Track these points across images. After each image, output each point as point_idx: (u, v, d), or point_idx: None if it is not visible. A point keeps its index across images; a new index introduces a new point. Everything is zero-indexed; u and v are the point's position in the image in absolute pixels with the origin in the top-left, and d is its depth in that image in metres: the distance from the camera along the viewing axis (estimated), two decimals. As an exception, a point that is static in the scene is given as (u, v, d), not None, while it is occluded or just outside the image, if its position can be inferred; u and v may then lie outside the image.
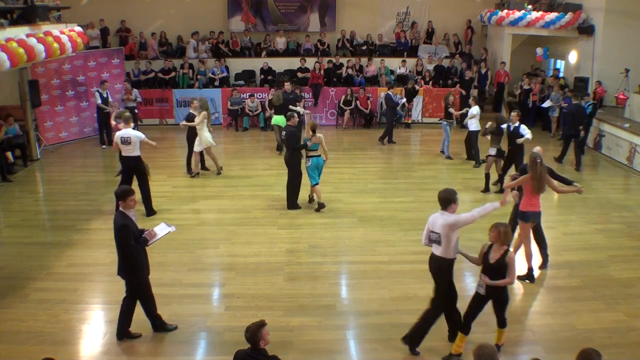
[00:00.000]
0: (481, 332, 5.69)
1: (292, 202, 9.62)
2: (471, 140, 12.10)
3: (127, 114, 9.26)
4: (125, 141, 8.80)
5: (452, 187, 10.69)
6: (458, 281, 7.18)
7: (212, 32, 17.15)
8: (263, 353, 4.16)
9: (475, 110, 11.75)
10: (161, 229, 5.85)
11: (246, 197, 10.21)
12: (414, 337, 5.62)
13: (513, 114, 10.32)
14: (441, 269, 5.45)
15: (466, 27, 17.76)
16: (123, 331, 5.82)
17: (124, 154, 8.92)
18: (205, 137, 11.03)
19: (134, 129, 9.31)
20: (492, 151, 10.36)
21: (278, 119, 12.64)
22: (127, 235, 5.43)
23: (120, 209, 5.61)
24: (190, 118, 11.08)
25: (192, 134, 11.17)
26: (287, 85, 13.32)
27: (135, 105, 14.29)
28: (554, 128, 14.98)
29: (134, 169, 8.98)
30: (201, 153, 11.45)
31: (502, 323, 5.56)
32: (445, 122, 12.73)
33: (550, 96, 14.89)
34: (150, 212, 9.18)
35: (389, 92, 14.33)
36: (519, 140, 9.93)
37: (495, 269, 5.25)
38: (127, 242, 5.44)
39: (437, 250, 5.43)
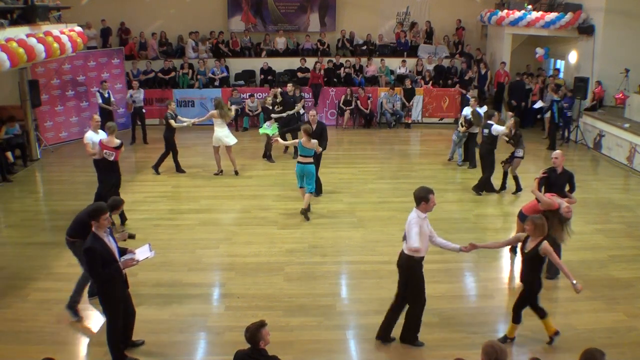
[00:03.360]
0: (484, 333, 5.71)
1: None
2: (469, 142, 12.09)
3: (94, 115, 9.23)
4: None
5: (452, 187, 10.74)
6: (459, 281, 7.24)
7: (212, 32, 17.16)
8: (263, 353, 4.16)
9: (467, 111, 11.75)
10: (142, 252, 5.50)
11: (246, 197, 10.21)
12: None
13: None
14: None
15: (457, 27, 17.79)
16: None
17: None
18: (217, 136, 11.19)
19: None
20: (519, 153, 10.10)
21: (267, 130, 12.02)
22: (92, 260, 5.00)
23: (93, 229, 5.09)
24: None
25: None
26: (290, 87, 13.35)
27: (142, 105, 14.27)
28: (547, 128, 14.98)
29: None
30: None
31: (516, 318, 5.78)
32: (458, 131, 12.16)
33: (544, 97, 14.90)
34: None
35: (467, 95, 13.92)
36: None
37: (529, 258, 5.53)
38: (92, 267, 5.04)
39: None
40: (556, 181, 7.26)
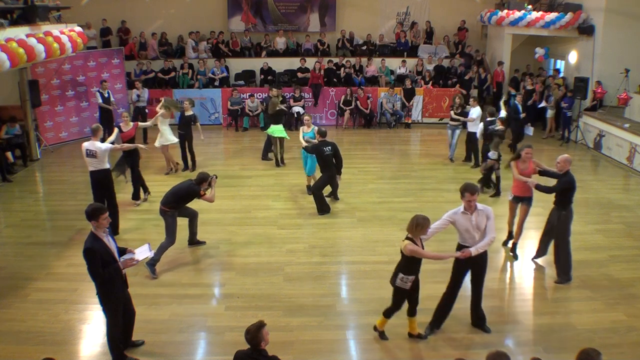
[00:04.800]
0: (484, 333, 5.71)
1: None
2: (471, 141, 12.08)
3: (97, 125, 8.57)
4: (91, 154, 8.15)
5: (452, 187, 10.70)
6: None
7: (213, 32, 17.16)
8: (263, 353, 4.16)
9: (476, 112, 11.71)
10: (142, 252, 5.51)
11: (246, 197, 10.21)
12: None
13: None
14: None
15: (459, 27, 17.79)
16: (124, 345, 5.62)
17: (90, 168, 8.27)
18: (165, 135, 11.24)
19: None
20: (493, 155, 10.12)
21: (276, 129, 11.90)
22: (92, 261, 4.99)
23: (92, 230, 5.10)
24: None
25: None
26: (274, 91, 13.09)
27: (145, 105, 14.29)
28: (549, 128, 14.98)
29: (102, 183, 8.34)
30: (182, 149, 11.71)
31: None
32: (450, 125, 12.41)
33: (548, 97, 14.88)
34: (115, 231, 8.38)
35: (516, 101, 13.03)
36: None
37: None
38: (91, 267, 5.01)
39: None
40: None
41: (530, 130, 13.47)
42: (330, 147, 9.24)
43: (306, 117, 10.59)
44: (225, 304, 6.62)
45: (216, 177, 7.72)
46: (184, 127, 11.54)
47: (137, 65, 15.93)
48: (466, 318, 6.17)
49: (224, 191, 10.57)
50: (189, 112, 11.45)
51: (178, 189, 7.56)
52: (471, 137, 11.97)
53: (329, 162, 9.25)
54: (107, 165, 8.39)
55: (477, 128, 11.36)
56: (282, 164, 12.25)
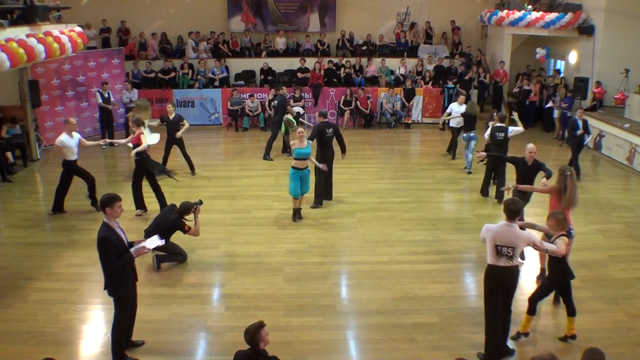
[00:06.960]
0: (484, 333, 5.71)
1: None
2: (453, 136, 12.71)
3: (69, 119, 9.49)
4: None
5: (452, 187, 10.67)
6: (459, 281, 7.25)
7: (213, 32, 17.17)
8: (263, 354, 4.16)
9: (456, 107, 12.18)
10: (152, 241, 5.57)
11: (246, 197, 10.21)
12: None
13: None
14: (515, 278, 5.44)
15: (452, 28, 17.80)
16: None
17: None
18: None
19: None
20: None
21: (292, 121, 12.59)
22: (107, 250, 5.05)
23: (105, 220, 5.15)
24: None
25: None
26: (284, 89, 13.21)
27: (134, 105, 14.30)
28: (557, 128, 14.98)
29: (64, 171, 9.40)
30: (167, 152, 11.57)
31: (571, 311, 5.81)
32: (466, 134, 11.57)
33: (555, 97, 14.88)
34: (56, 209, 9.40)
35: (575, 116, 11.58)
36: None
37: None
38: (106, 257, 5.08)
39: (508, 262, 5.26)
40: (526, 174, 7.67)
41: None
42: (331, 130, 9.48)
43: (299, 130, 8.92)
44: (225, 304, 6.62)
45: (201, 203, 7.54)
46: (173, 132, 11.29)
47: (135, 65, 15.93)
48: (466, 318, 6.17)
49: (224, 191, 10.59)
50: (172, 115, 11.25)
51: (161, 224, 7.28)
52: (453, 131, 12.56)
53: (329, 144, 9.48)
54: (70, 158, 9.32)
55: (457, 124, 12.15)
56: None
